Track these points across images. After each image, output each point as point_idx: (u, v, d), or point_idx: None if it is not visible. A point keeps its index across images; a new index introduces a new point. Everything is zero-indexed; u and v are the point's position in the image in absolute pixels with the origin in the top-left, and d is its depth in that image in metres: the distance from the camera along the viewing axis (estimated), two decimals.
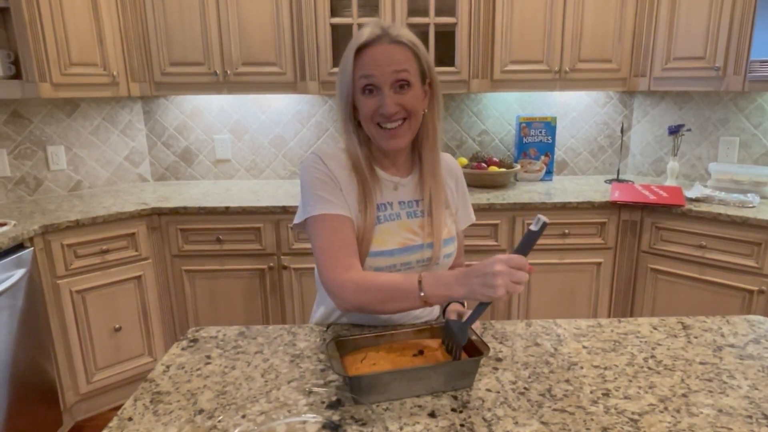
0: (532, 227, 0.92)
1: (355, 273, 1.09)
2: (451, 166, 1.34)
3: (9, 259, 2.00)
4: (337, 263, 1.09)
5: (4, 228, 2.09)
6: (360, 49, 1.11)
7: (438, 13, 2.59)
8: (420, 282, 1.01)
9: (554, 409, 0.88)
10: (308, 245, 2.01)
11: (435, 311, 1.32)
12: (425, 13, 2.58)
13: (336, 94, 1.18)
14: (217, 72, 2.62)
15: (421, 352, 0.99)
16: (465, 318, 0.99)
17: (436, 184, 1.23)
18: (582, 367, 1.02)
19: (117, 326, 2.43)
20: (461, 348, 0.98)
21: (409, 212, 1.22)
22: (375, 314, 1.11)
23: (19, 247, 2.08)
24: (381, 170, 1.22)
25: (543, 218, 0.91)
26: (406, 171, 1.25)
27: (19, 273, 2.03)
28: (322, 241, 1.12)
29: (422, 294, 1.01)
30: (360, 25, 2.56)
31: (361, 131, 1.19)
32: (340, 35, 2.64)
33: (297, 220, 1.20)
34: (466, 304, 1.21)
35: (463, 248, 1.41)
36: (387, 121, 1.12)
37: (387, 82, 1.10)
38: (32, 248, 2.12)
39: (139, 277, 2.47)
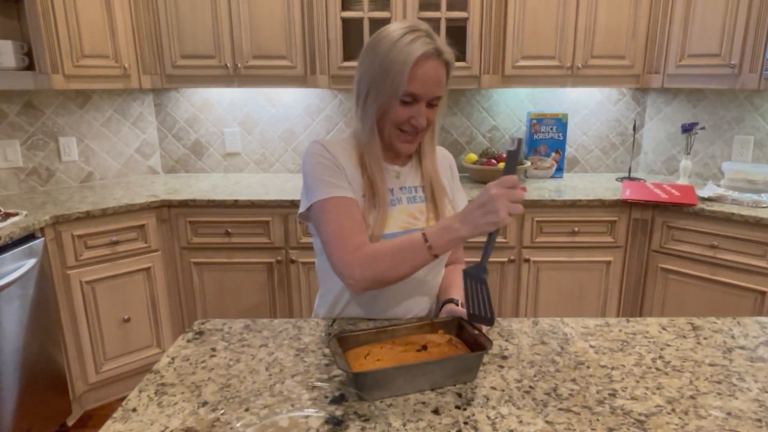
0: (509, 147, 0.98)
1: (363, 249, 1.09)
2: (445, 155, 1.37)
3: (20, 248, 2.02)
4: (348, 244, 1.09)
5: (16, 218, 2.11)
6: (415, 63, 1.09)
7: (449, 8, 2.57)
8: (424, 235, 1.03)
9: (560, 409, 0.87)
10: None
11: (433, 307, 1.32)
12: (437, 8, 2.56)
13: (365, 92, 1.14)
14: (228, 65, 2.62)
15: (424, 347, 0.99)
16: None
17: (435, 172, 1.27)
18: (589, 367, 1.01)
19: (126, 317, 2.45)
20: (486, 284, 1.00)
21: (409, 197, 1.24)
22: (391, 283, 1.10)
23: (31, 237, 2.10)
24: (383, 161, 1.24)
25: (516, 136, 0.98)
26: (404, 160, 1.28)
27: (30, 263, 2.05)
28: (332, 224, 1.12)
29: (428, 245, 1.02)
30: (371, 20, 2.55)
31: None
32: (351, 29, 2.63)
33: (302, 208, 1.19)
34: (460, 303, 1.20)
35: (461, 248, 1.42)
36: (412, 130, 1.16)
37: (426, 99, 1.13)
38: (43, 238, 2.14)
39: (149, 268, 2.49)
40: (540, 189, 2.66)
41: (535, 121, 2.91)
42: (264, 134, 3.08)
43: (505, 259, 2.53)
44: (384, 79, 1.10)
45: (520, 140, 0.98)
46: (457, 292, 1.28)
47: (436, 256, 1.04)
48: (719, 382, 0.95)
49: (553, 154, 2.95)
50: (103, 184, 2.86)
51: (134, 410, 0.88)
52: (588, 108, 3.04)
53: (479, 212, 0.97)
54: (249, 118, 3.06)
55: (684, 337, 1.13)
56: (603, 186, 2.75)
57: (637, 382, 0.95)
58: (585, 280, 2.56)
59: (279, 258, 2.54)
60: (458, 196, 1.35)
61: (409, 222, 1.21)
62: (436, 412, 0.87)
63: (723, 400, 0.90)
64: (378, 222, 1.16)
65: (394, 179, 1.24)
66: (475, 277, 1.01)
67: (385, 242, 1.10)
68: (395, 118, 1.14)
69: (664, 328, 1.17)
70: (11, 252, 1.98)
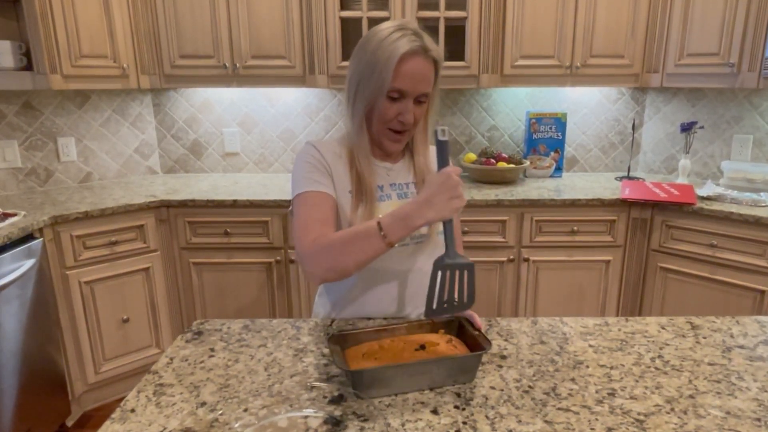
0: (441, 137, 0.99)
1: (320, 239, 1.08)
2: None
3: (19, 249, 2.01)
4: (308, 234, 1.10)
5: (15, 218, 2.11)
6: (400, 60, 1.11)
7: (448, 7, 2.57)
8: (379, 223, 1.01)
9: (559, 408, 0.87)
10: None
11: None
12: (435, 7, 2.56)
13: (354, 89, 1.17)
14: (227, 65, 2.61)
15: (422, 347, 0.99)
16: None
17: (428, 168, 1.28)
18: (588, 366, 1.01)
19: (125, 317, 2.45)
20: (472, 266, 0.96)
21: (399, 193, 1.25)
22: (347, 272, 1.07)
23: (29, 237, 2.10)
24: (373, 157, 1.25)
25: (440, 126, 1.00)
26: (396, 157, 1.29)
27: (29, 263, 2.05)
28: (301, 215, 1.15)
29: (383, 234, 1.00)
30: (370, 20, 2.55)
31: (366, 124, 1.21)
32: (350, 29, 2.63)
33: (291, 206, 1.22)
34: None
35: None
36: (400, 127, 1.17)
37: (413, 96, 1.15)
38: (42, 239, 2.13)
39: (148, 269, 2.48)
40: (539, 188, 2.66)
41: (534, 120, 2.91)
42: (263, 134, 3.08)
43: (504, 259, 2.53)
44: (371, 76, 1.12)
45: (444, 130, 0.99)
46: None
47: (390, 245, 1.02)
48: (718, 382, 0.95)
49: (552, 153, 2.95)
50: (101, 184, 2.85)
51: (133, 411, 0.88)
52: (587, 107, 3.04)
53: (444, 197, 0.97)
54: (248, 118, 3.06)
55: (683, 336, 1.13)
56: (602, 185, 2.75)
57: (636, 381, 0.95)
58: (584, 280, 2.56)
59: (278, 258, 2.53)
60: None
61: None
62: (434, 411, 0.87)
63: (722, 400, 0.90)
64: (364, 216, 1.17)
65: (385, 176, 1.25)
66: (454, 265, 0.96)
67: (341, 231, 1.10)
68: (382, 115, 1.15)
69: (663, 328, 1.17)
70: (10, 252, 1.97)
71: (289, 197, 2.47)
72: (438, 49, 1.16)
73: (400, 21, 1.16)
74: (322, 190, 1.17)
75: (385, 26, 1.14)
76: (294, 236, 1.14)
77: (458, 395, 0.91)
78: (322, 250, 1.06)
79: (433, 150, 1.33)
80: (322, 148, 1.22)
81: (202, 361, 1.03)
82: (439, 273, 0.96)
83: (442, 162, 1.01)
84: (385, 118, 1.16)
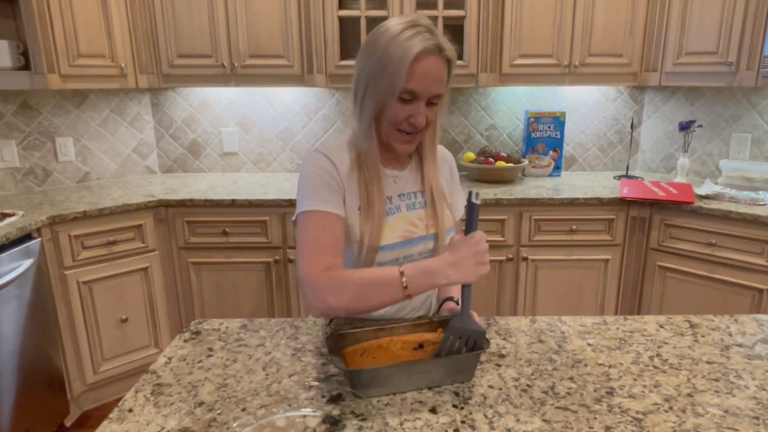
0: (474, 200, 0.99)
1: (334, 271, 1.05)
2: (444, 155, 1.34)
3: (17, 249, 2.01)
4: (319, 261, 1.05)
5: (13, 218, 2.11)
6: (414, 59, 1.05)
7: (447, 6, 2.56)
8: (402, 273, 0.99)
9: (557, 407, 0.87)
10: None
11: (432, 305, 1.32)
12: (434, 6, 2.56)
13: (362, 89, 1.11)
14: (225, 64, 2.61)
15: (421, 346, 0.99)
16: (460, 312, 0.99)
17: (435, 177, 1.24)
18: (586, 365, 1.00)
19: (124, 317, 2.45)
20: (484, 334, 0.96)
21: (408, 204, 1.21)
22: (353, 314, 1.06)
23: (27, 237, 2.09)
24: (380, 165, 1.20)
25: (474, 191, 1.00)
26: (403, 164, 1.25)
27: (27, 263, 2.04)
28: (309, 236, 1.09)
29: (404, 284, 0.99)
30: (368, 19, 2.55)
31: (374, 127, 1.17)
32: (348, 28, 2.63)
33: (294, 216, 1.18)
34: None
35: None
36: (410, 129, 1.12)
37: (426, 97, 1.10)
38: (40, 239, 2.13)
39: (146, 268, 2.48)
40: (538, 187, 2.66)
41: (532, 119, 2.91)
42: (262, 134, 3.08)
43: (503, 258, 2.53)
44: (382, 75, 1.06)
45: (477, 194, 1.00)
46: (457, 291, 1.28)
47: (409, 297, 1.00)
48: (716, 380, 0.95)
49: (551, 152, 2.95)
50: (100, 184, 2.85)
51: (131, 411, 0.88)
52: (586, 106, 3.04)
53: (472, 261, 0.97)
54: (247, 118, 3.06)
55: (681, 335, 1.13)
56: (601, 184, 2.75)
57: (635, 380, 0.95)
58: (583, 279, 2.56)
59: (277, 257, 2.53)
60: (457, 197, 1.34)
61: (408, 230, 1.18)
62: (433, 411, 0.87)
63: (720, 398, 0.90)
64: (374, 232, 1.13)
65: (392, 185, 1.21)
66: (467, 330, 0.95)
67: (358, 271, 1.07)
68: (393, 117, 1.10)
69: (661, 326, 1.17)
70: (8, 252, 1.97)
71: (287, 197, 2.49)
72: (452, 48, 1.10)
73: (411, 17, 1.09)
74: (332, 210, 1.11)
75: (396, 22, 1.07)
76: (299, 255, 1.09)
77: (457, 394, 0.91)
78: (336, 287, 1.02)
79: (441, 151, 1.33)
80: (336, 159, 1.15)
81: (200, 361, 1.03)
82: (451, 337, 0.96)
83: (471, 225, 1.00)
84: (396, 120, 1.10)
